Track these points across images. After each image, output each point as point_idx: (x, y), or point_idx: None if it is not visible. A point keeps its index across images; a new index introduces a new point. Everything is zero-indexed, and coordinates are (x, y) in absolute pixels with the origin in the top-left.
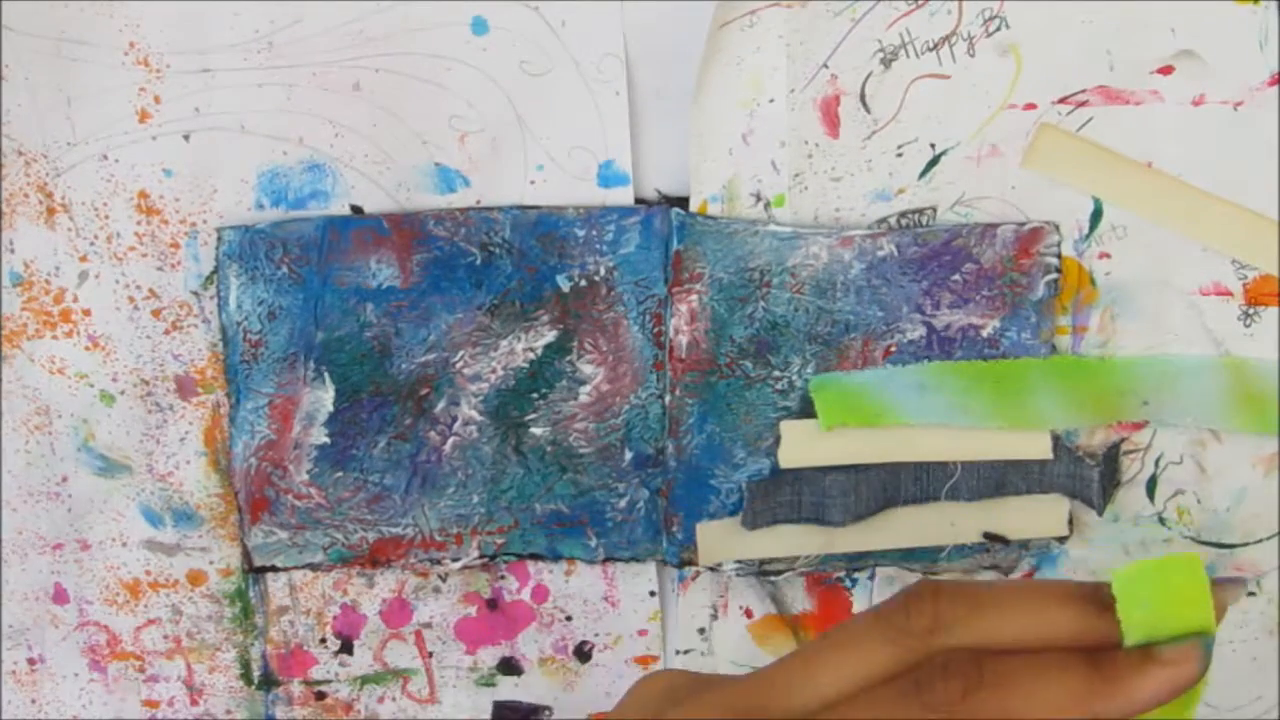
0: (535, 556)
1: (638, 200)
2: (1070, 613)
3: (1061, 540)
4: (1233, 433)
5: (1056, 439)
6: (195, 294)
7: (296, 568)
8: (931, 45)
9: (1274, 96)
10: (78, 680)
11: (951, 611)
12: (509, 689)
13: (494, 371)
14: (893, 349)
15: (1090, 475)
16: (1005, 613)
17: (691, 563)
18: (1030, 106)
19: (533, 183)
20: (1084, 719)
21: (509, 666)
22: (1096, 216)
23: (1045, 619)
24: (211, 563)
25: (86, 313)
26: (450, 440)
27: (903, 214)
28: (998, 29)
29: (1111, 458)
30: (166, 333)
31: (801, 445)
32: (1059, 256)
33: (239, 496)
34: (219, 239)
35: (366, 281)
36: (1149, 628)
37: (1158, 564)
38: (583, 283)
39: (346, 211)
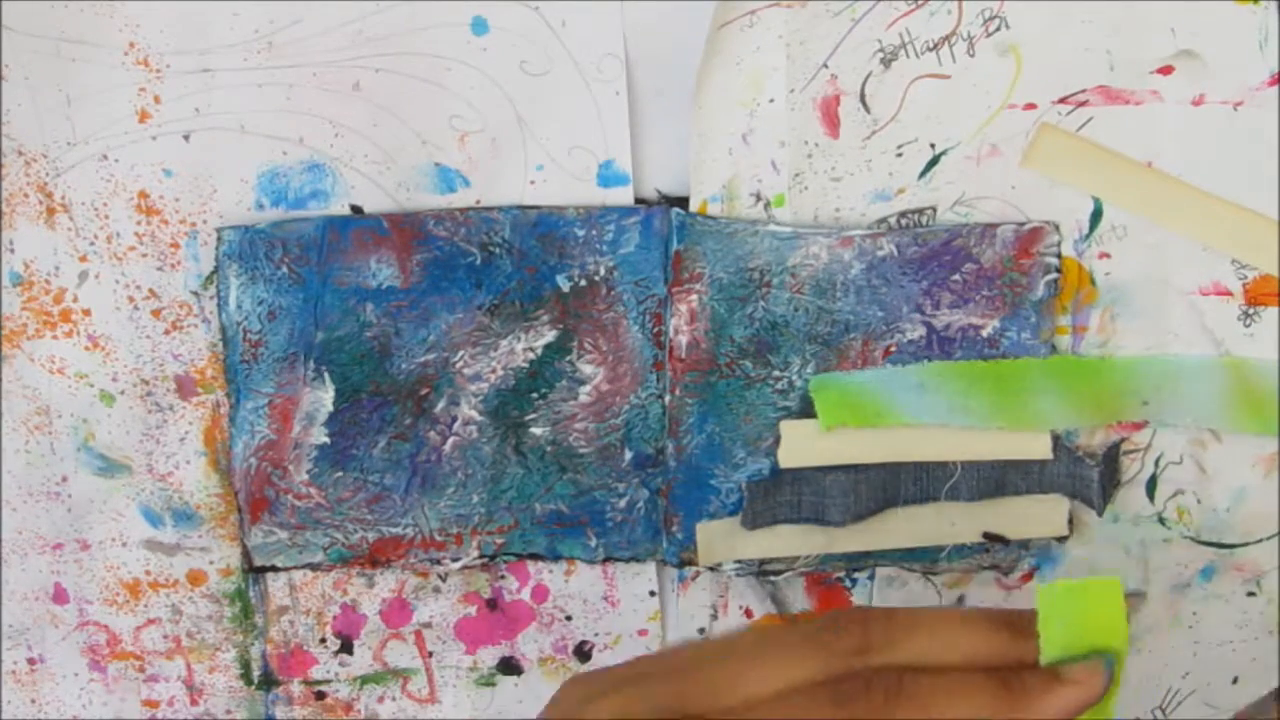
0: (535, 556)
1: (638, 200)
2: (989, 636)
3: (1061, 540)
4: (1233, 433)
5: (1056, 439)
6: (195, 294)
7: (296, 568)
8: (931, 45)
9: (1274, 96)
10: (78, 680)
11: (879, 635)
12: (509, 689)
13: (494, 371)
14: (893, 349)
15: (1090, 475)
16: (928, 636)
17: (691, 563)
18: (1030, 106)
19: (533, 183)
20: None
21: (509, 666)
22: (1096, 216)
23: (965, 641)
24: (211, 563)
25: (86, 313)
26: (450, 440)
27: (903, 214)
28: (998, 29)
29: (1111, 458)
30: (166, 333)
31: (801, 445)
32: (1059, 256)
33: (239, 496)
34: (219, 239)
35: (366, 281)
36: (1065, 645)
37: (1080, 584)
38: (583, 283)
39: (346, 211)
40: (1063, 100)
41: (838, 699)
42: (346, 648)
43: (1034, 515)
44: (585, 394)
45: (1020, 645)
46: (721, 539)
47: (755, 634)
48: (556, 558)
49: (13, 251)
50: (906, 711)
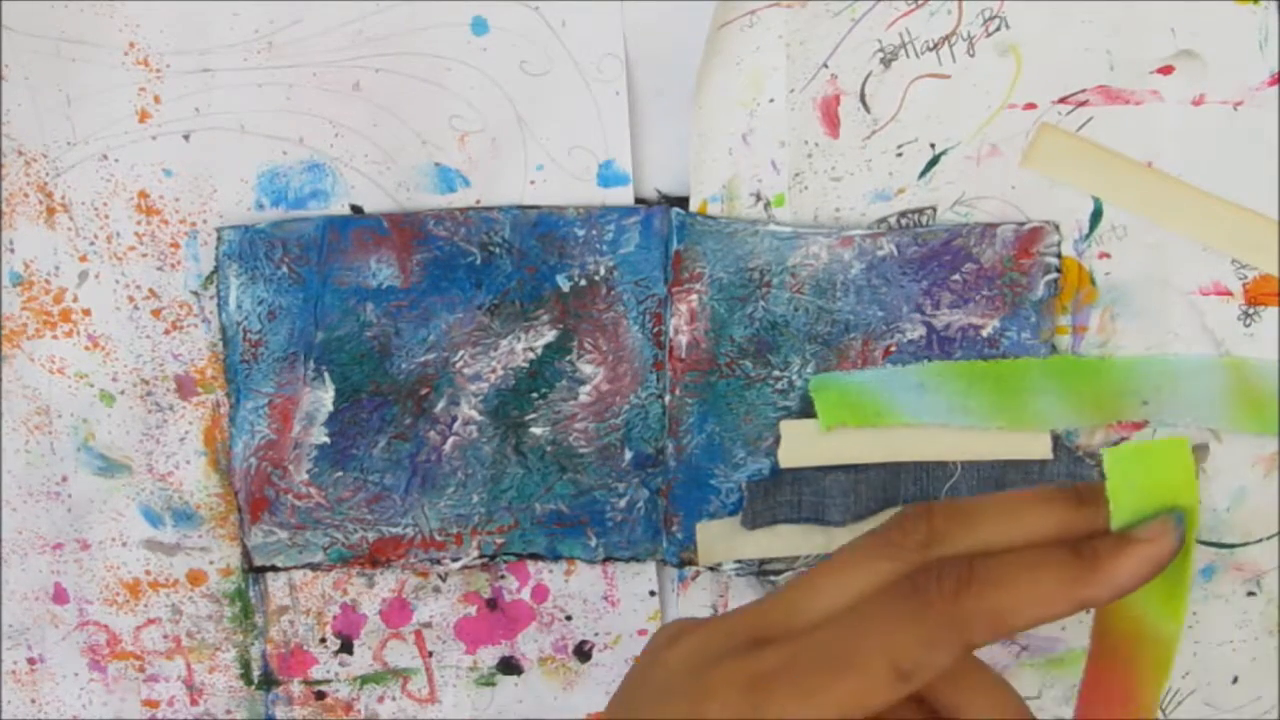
0: (535, 556)
1: (638, 200)
2: (1055, 511)
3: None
4: (1233, 433)
5: (1056, 439)
6: (195, 294)
7: (296, 567)
8: (931, 45)
9: (1274, 96)
10: (78, 680)
11: (944, 525)
12: (509, 689)
13: (494, 371)
14: (893, 349)
15: (1090, 475)
16: (992, 519)
17: (691, 562)
18: (1030, 106)
19: (533, 183)
20: (1072, 605)
21: (509, 666)
22: (1096, 216)
23: (1030, 519)
24: (211, 562)
25: (86, 313)
26: (450, 440)
27: (903, 214)
28: (998, 29)
29: None
30: (166, 333)
31: (801, 445)
32: (1059, 256)
33: (239, 496)
34: (219, 239)
35: (366, 281)
36: (1135, 509)
37: (1146, 445)
38: (583, 282)
39: (346, 211)
40: (1063, 100)
41: (912, 593)
42: (346, 648)
43: None
44: (585, 394)
45: (1088, 515)
46: (721, 539)
47: (829, 556)
48: (556, 558)
49: (13, 251)
50: (981, 595)
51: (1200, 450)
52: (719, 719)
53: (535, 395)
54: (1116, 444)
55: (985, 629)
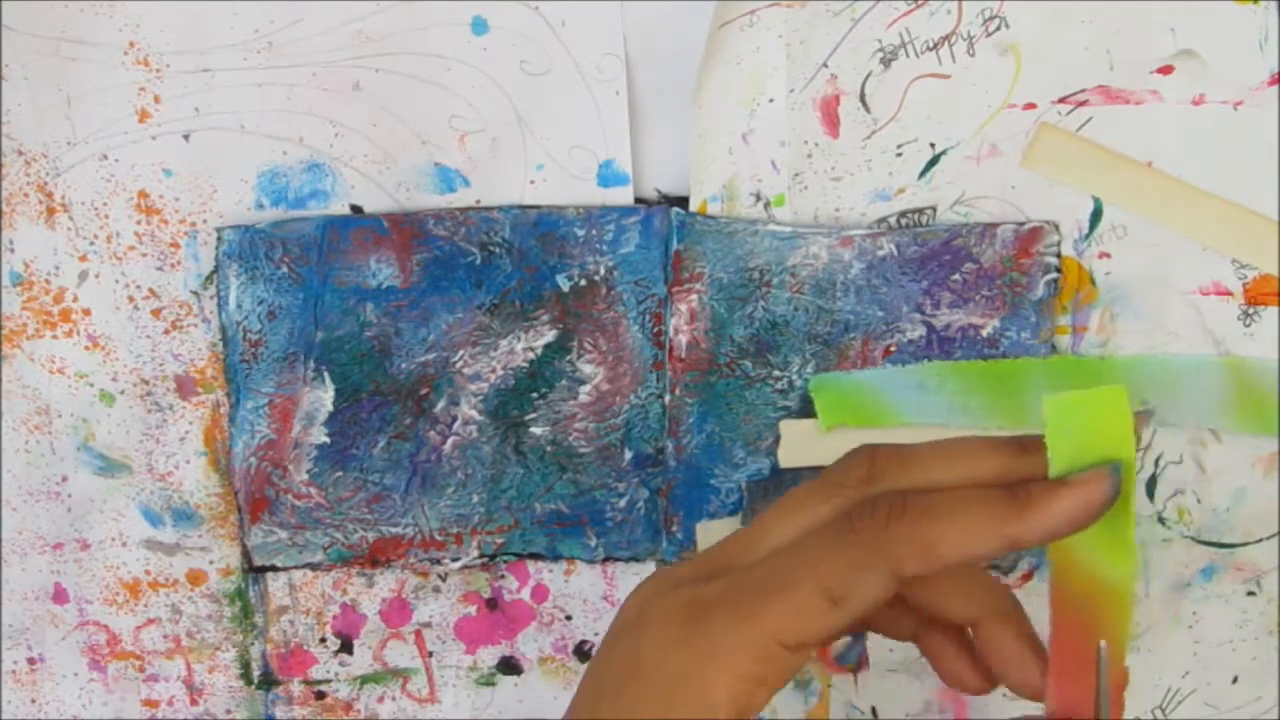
0: (535, 556)
1: (638, 200)
2: (993, 455)
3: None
4: (1233, 433)
5: None
6: (195, 294)
7: (296, 567)
8: (931, 45)
9: (1274, 96)
10: (78, 680)
11: (885, 464)
12: (509, 689)
13: (494, 371)
14: (893, 349)
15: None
16: (933, 460)
17: None
18: (1030, 106)
19: (532, 183)
20: (1001, 541)
21: (509, 666)
22: (1096, 216)
23: (970, 461)
24: (211, 562)
25: (86, 312)
26: (450, 440)
27: (903, 214)
28: (998, 29)
29: None
30: (166, 332)
31: (801, 445)
32: (1059, 256)
33: (239, 496)
34: (219, 239)
35: (366, 281)
36: (1072, 458)
37: (1086, 395)
38: (583, 282)
39: (346, 211)
40: (1063, 100)
41: (845, 524)
42: (346, 647)
43: None
44: (585, 394)
45: (1026, 461)
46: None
47: (780, 497)
48: (556, 557)
49: (13, 251)
50: (912, 524)
51: (1144, 414)
52: (659, 643)
53: (535, 395)
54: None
55: (914, 557)
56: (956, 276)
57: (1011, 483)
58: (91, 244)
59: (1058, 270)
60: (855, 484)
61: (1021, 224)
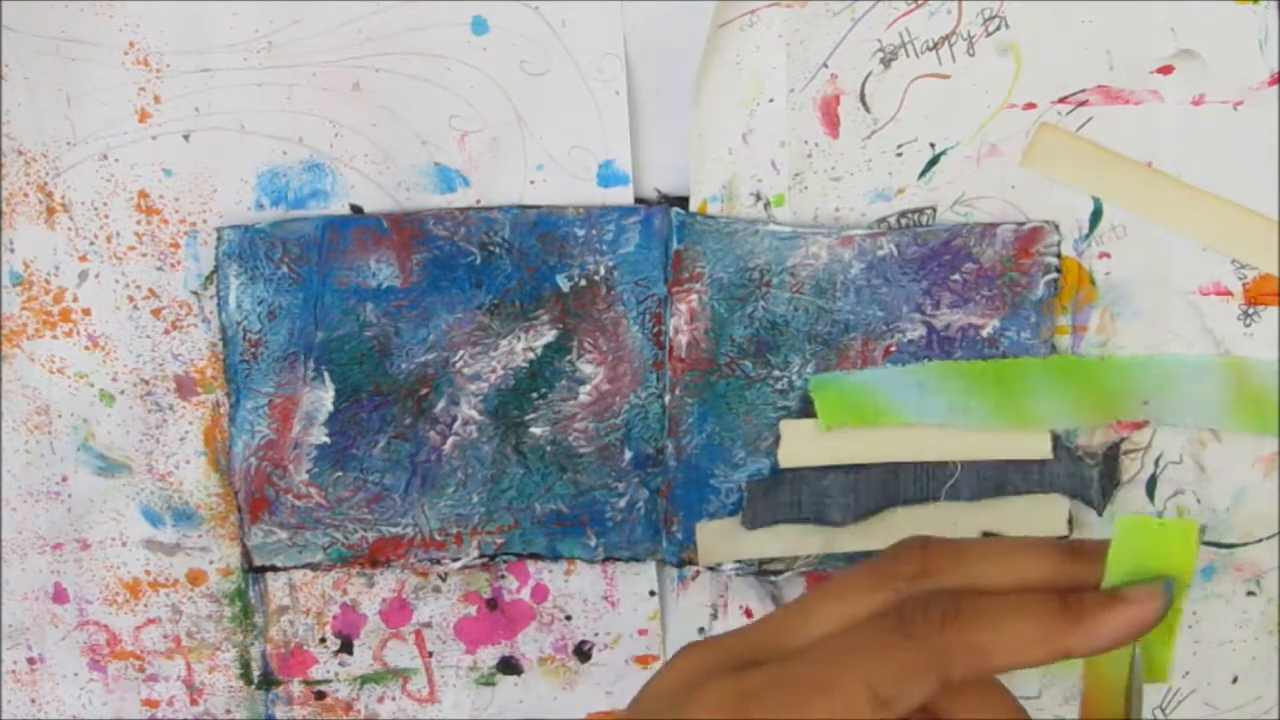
0: (535, 556)
1: (637, 200)
2: (1046, 559)
3: (1062, 540)
4: (1233, 433)
5: (1056, 439)
6: (195, 294)
7: (296, 567)
8: (931, 45)
9: (1274, 96)
10: (77, 680)
11: (938, 560)
12: (509, 689)
13: (494, 371)
14: (892, 349)
15: (1090, 475)
16: (986, 559)
17: (691, 562)
18: (1030, 106)
19: (532, 182)
20: (1051, 652)
21: (509, 666)
22: (1096, 216)
23: (1023, 565)
24: (211, 562)
25: (86, 312)
26: (450, 440)
27: (903, 214)
28: (998, 29)
29: (1111, 457)
30: (166, 332)
31: (801, 445)
32: (1059, 256)
33: (239, 496)
34: (219, 239)
35: (366, 281)
36: (1129, 574)
37: (1159, 523)
38: (582, 282)
39: (346, 211)
40: (1063, 100)
41: (897, 623)
42: (346, 647)
43: (1034, 515)
44: (585, 394)
45: (1079, 569)
46: (721, 539)
47: (825, 580)
48: (556, 557)
49: (13, 251)
50: (964, 630)
51: (1200, 531)
52: None
53: (535, 395)
54: (1130, 514)
55: (965, 664)
56: (956, 276)
57: (1062, 588)
58: (91, 244)
59: (1058, 270)
60: (906, 578)
61: (1021, 224)
